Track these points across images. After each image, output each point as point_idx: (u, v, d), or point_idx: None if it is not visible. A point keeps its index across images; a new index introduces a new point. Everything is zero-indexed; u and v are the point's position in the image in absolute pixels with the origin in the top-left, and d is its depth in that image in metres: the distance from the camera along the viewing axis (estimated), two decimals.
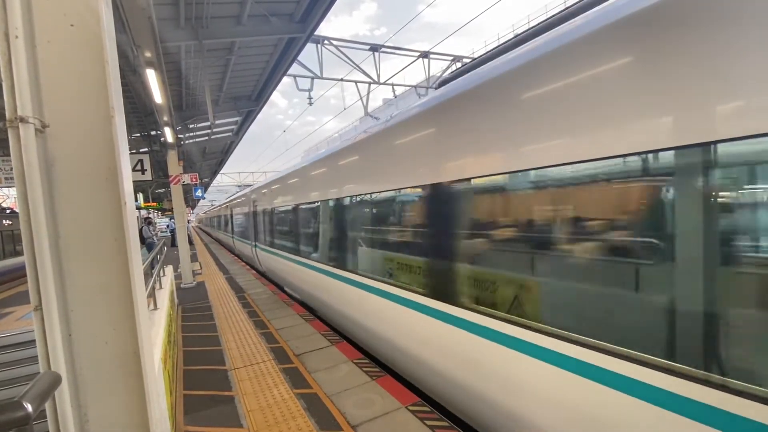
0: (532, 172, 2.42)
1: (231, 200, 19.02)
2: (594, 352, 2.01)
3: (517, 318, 2.51)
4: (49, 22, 1.47)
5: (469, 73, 3.20)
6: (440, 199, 3.18)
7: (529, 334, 2.38)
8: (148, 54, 4.81)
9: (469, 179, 2.88)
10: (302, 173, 7.05)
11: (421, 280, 3.44)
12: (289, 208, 7.63)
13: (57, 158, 1.49)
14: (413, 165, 3.56)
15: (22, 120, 1.37)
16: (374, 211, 4.52)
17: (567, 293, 2.33)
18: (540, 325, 2.34)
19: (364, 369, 4.09)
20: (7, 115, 1.38)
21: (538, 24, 2.91)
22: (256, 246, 11.06)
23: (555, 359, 2.21)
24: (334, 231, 5.38)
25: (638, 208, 1.98)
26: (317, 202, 6.00)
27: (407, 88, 14.55)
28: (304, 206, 6.75)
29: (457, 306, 2.99)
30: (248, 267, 12.54)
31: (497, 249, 2.83)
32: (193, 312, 7.06)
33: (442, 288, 3.15)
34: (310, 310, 6.79)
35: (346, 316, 5.07)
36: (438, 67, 13.76)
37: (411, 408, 3.26)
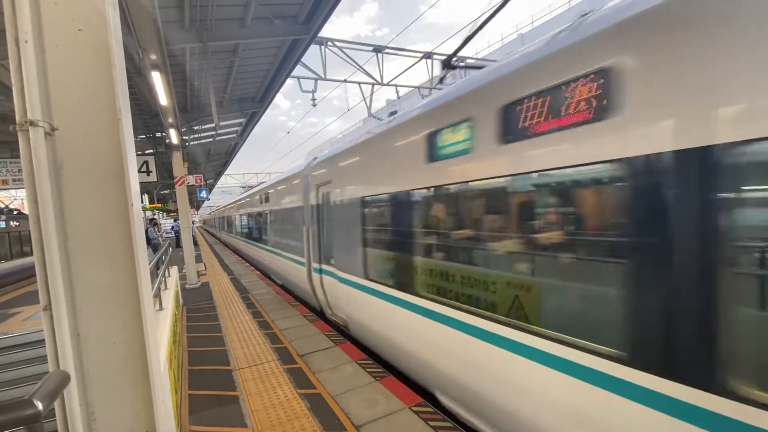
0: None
1: (212, 213, 39.46)
2: None
3: None
4: (58, 27, 1.50)
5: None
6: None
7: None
8: (153, 56, 4.86)
9: None
10: (225, 209, 24.62)
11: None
12: (225, 219, 24.32)
13: (66, 160, 1.51)
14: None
15: (32, 123, 1.39)
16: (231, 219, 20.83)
17: None
18: None
19: (368, 369, 4.10)
20: (17, 118, 1.40)
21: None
22: (221, 231, 26.89)
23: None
24: (231, 226, 20.76)
25: None
26: (229, 216, 21.64)
27: (410, 88, 14.54)
28: (226, 220, 24.04)
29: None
30: (252, 268, 12.66)
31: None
32: (197, 312, 7.10)
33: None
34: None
35: (232, 245, 21.41)
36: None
37: (414, 408, 3.26)
